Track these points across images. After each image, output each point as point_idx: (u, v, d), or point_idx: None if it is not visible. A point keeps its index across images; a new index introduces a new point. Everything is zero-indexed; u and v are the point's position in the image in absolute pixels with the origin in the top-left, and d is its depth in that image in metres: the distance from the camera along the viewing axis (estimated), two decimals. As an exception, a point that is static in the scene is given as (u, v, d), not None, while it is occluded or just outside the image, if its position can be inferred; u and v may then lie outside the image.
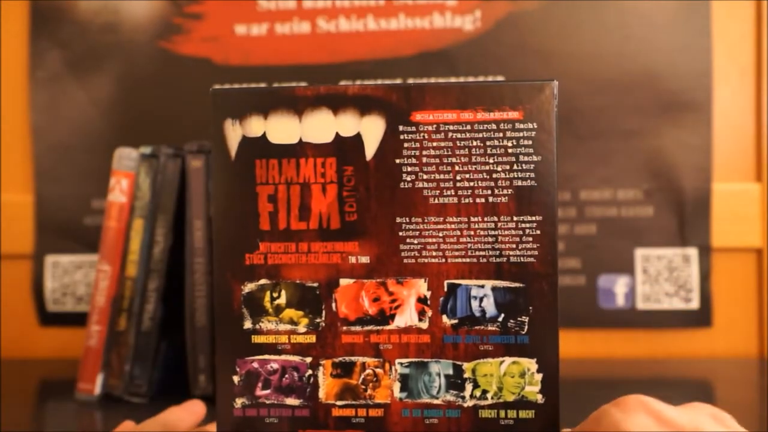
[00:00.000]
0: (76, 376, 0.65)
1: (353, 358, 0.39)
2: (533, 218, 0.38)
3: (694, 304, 0.78)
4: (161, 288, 0.65)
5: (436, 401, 0.39)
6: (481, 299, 0.39)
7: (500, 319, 0.39)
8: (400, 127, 0.38)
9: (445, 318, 0.39)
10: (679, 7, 0.78)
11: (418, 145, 0.38)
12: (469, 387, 0.39)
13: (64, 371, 0.73)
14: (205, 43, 0.82)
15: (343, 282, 0.39)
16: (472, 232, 0.39)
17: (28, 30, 0.83)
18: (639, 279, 0.79)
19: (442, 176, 0.38)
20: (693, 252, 0.78)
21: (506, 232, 0.38)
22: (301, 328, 0.39)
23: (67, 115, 0.82)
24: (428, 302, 0.39)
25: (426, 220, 0.39)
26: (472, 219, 0.39)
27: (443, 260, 0.39)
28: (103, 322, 0.64)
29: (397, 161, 0.39)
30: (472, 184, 0.38)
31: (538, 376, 0.39)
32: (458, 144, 0.38)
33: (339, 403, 0.39)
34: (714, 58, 0.78)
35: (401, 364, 0.39)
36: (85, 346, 0.64)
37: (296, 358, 0.39)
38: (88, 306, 0.67)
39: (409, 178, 0.39)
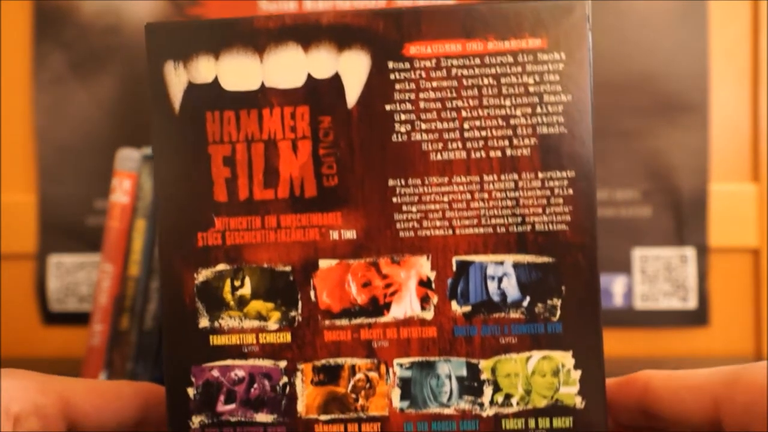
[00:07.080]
0: (79, 374, 0.55)
1: (340, 360, 0.25)
2: (563, 174, 0.25)
3: (692, 303, 0.67)
4: (163, 287, 0.56)
5: (447, 410, 0.25)
6: (500, 279, 0.25)
7: (525, 303, 0.25)
8: (390, 64, 0.25)
9: (454, 305, 0.25)
10: (675, 9, 0.67)
11: (413, 86, 0.25)
12: (488, 391, 0.25)
13: (67, 370, 0.62)
14: (205, 48, 0.70)
15: (324, 264, 0.25)
16: (485, 195, 0.25)
17: (31, 32, 0.71)
18: (637, 279, 0.67)
19: (445, 125, 0.25)
20: (690, 252, 0.67)
21: (529, 193, 0.25)
22: (272, 325, 0.25)
23: (70, 116, 0.71)
24: (433, 286, 0.25)
25: (426, 182, 0.25)
26: (486, 178, 0.25)
27: (450, 232, 0.25)
28: (105, 322, 0.56)
29: (388, 108, 0.25)
30: (484, 133, 0.25)
31: (576, 374, 0.25)
32: (465, 83, 0.25)
33: (323, 417, 0.25)
34: (711, 59, 0.67)
35: (401, 365, 0.25)
36: (88, 346, 0.56)
37: (267, 363, 0.25)
38: (91, 305, 0.58)
39: (403, 129, 0.25)
